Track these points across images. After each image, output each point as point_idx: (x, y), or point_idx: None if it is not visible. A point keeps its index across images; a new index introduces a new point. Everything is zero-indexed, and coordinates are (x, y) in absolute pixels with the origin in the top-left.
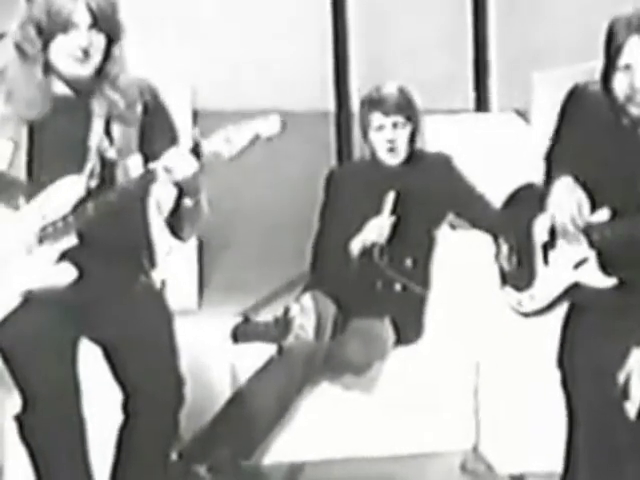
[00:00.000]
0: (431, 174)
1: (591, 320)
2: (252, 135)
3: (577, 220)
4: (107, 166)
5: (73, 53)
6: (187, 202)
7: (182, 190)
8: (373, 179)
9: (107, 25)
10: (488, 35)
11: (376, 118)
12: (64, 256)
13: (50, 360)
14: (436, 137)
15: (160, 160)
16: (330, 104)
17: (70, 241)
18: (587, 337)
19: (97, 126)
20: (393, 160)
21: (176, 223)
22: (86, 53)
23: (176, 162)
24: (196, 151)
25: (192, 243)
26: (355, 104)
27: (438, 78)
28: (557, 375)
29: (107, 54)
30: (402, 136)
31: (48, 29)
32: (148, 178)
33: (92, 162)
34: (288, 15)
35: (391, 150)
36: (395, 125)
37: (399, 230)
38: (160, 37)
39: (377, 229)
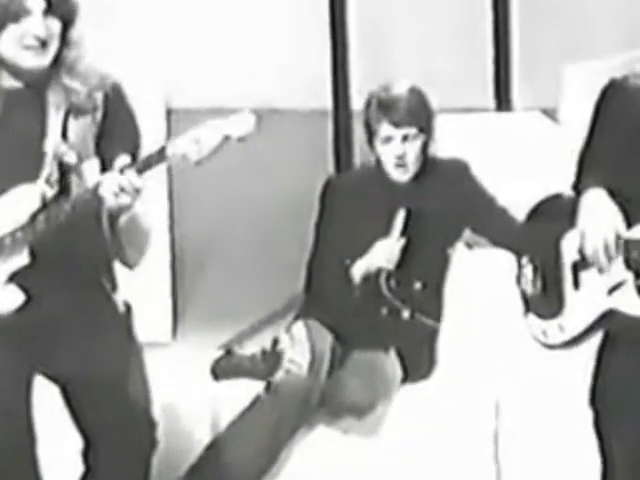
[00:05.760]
0: (445, 185)
1: (629, 351)
2: (222, 136)
3: (611, 248)
4: (66, 172)
5: (28, 43)
6: (122, 220)
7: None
8: (378, 192)
9: (62, 8)
10: (510, 24)
11: (384, 128)
12: (13, 277)
13: None
14: (451, 139)
15: (102, 184)
16: (327, 102)
17: (21, 260)
18: (624, 371)
19: (53, 124)
20: (401, 177)
21: (117, 247)
22: (43, 42)
23: (117, 186)
24: (160, 153)
25: (165, 263)
26: (355, 102)
27: (453, 72)
28: (589, 415)
29: (63, 39)
30: (413, 150)
31: None
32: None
33: (49, 168)
34: (281, 2)
35: (399, 166)
36: (405, 138)
37: (409, 250)
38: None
39: (385, 253)
